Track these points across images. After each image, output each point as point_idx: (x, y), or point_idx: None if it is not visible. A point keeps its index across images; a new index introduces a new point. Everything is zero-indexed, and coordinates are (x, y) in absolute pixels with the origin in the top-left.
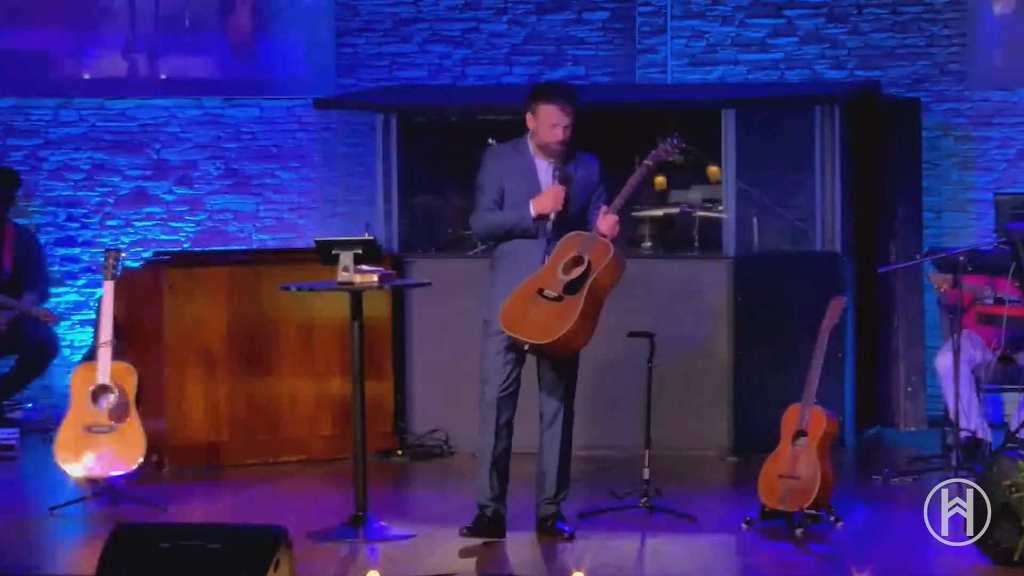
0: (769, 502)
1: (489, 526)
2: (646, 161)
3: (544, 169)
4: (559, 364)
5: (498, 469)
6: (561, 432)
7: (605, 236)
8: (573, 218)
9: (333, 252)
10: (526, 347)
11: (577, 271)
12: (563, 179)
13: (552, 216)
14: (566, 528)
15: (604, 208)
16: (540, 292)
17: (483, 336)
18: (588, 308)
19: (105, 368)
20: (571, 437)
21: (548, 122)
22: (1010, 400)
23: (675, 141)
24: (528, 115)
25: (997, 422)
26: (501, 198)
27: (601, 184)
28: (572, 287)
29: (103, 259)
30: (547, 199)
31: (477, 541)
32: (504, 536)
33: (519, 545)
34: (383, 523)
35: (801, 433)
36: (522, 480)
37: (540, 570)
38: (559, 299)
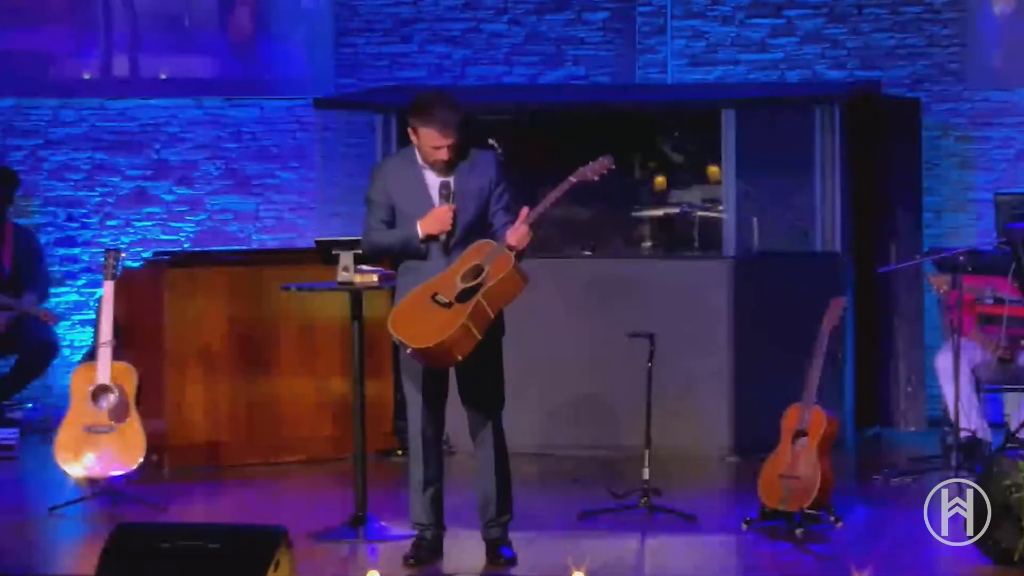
0: (769, 502)
1: (429, 550)
2: (570, 177)
3: (434, 181)
4: (481, 379)
5: (433, 494)
6: (494, 453)
7: (513, 248)
8: (471, 225)
9: (333, 252)
10: (408, 351)
11: (475, 282)
12: (449, 197)
13: (442, 237)
14: (507, 553)
15: (523, 214)
16: (433, 297)
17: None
18: (474, 318)
19: (105, 368)
20: (506, 456)
21: (429, 144)
22: (1010, 400)
23: (604, 161)
24: (410, 131)
25: (997, 422)
26: (391, 216)
27: (501, 183)
28: (464, 296)
29: (103, 259)
30: (433, 221)
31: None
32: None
33: (519, 545)
34: (383, 523)
35: (801, 433)
36: (519, 479)
37: (540, 570)
38: (448, 306)
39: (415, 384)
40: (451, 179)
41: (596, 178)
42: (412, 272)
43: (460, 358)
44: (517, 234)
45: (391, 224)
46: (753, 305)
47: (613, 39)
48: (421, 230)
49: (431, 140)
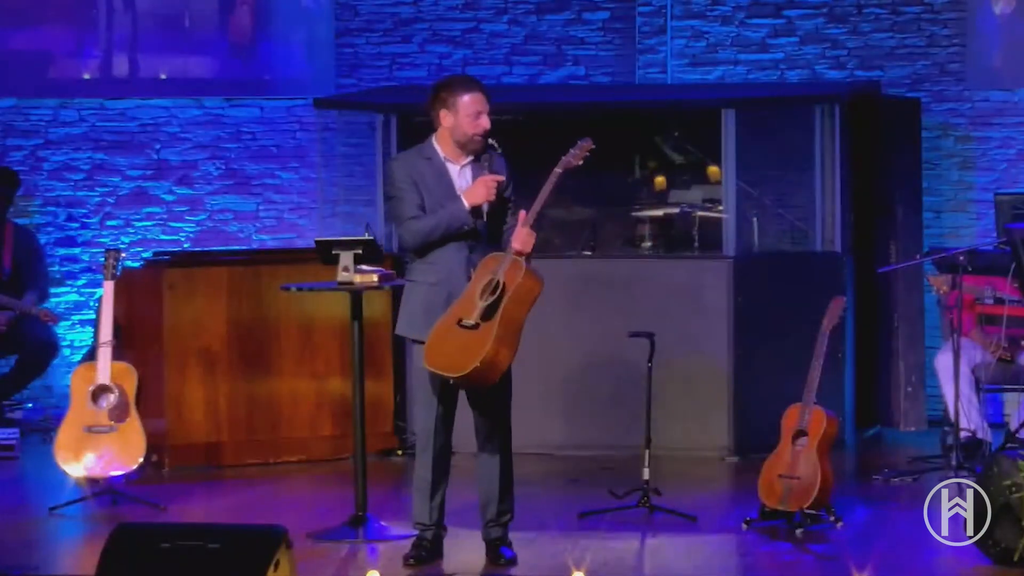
0: (769, 502)
1: (430, 550)
2: (556, 169)
3: (456, 173)
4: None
5: (438, 495)
6: (499, 454)
7: (520, 253)
8: (489, 224)
9: (333, 252)
10: (451, 381)
11: (493, 296)
12: (492, 169)
13: (485, 206)
14: (507, 553)
15: (521, 217)
16: (459, 323)
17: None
18: (504, 332)
19: (105, 368)
20: (510, 458)
21: (472, 111)
22: (1010, 400)
23: (585, 144)
24: (441, 113)
25: (997, 422)
26: (423, 204)
27: (510, 185)
28: (488, 313)
29: (103, 259)
30: (480, 188)
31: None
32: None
33: (519, 545)
34: (383, 523)
35: (801, 433)
36: (520, 479)
37: (540, 570)
38: (475, 327)
39: (428, 387)
40: (459, 167)
41: (580, 162)
42: (426, 271)
43: (504, 368)
44: (520, 238)
45: (425, 211)
46: (753, 305)
47: (613, 39)
48: (466, 201)
49: (476, 105)
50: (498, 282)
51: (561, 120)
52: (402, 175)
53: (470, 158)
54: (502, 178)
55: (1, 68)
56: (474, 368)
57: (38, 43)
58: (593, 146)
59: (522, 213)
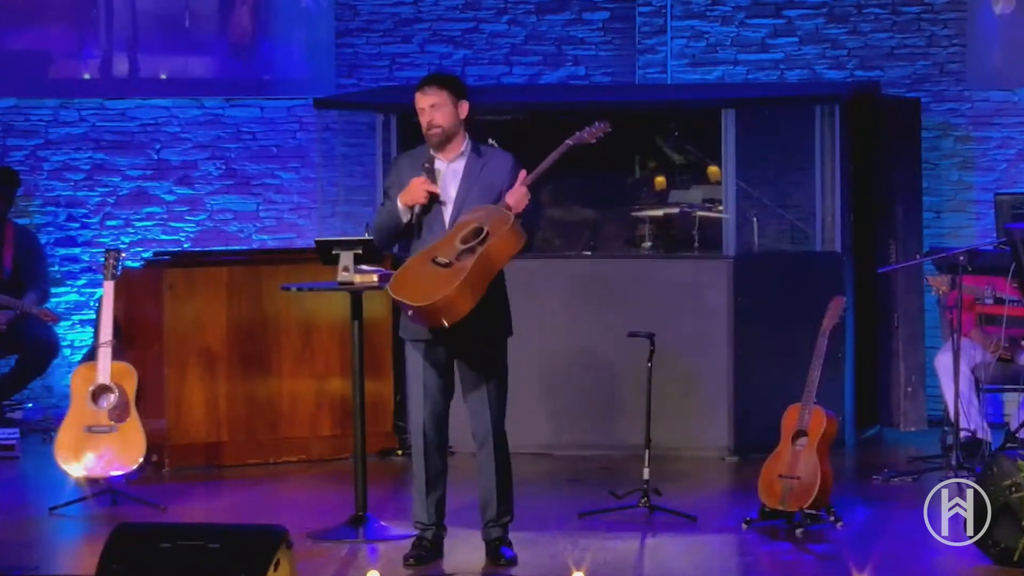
0: (769, 502)
1: (429, 550)
2: (567, 141)
3: (445, 167)
4: (484, 378)
5: (435, 494)
6: (495, 453)
7: (511, 208)
8: None
9: (333, 252)
10: (409, 312)
11: (475, 241)
12: (427, 172)
13: (416, 209)
14: (507, 553)
15: (521, 176)
16: (433, 259)
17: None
18: (474, 275)
19: (105, 368)
20: (508, 458)
21: (418, 110)
22: (1010, 400)
23: (601, 125)
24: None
25: (997, 422)
26: None
27: (514, 182)
28: (464, 256)
29: (103, 259)
30: (406, 191)
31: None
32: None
33: (519, 545)
34: (383, 523)
35: (801, 433)
36: (520, 479)
37: (540, 570)
38: (448, 265)
39: (420, 384)
40: (447, 162)
41: (593, 141)
42: None
43: (463, 314)
44: (516, 195)
45: None
46: (753, 305)
47: (613, 39)
48: (399, 200)
49: (417, 103)
50: (483, 229)
51: (561, 120)
52: (391, 176)
53: (460, 154)
54: (436, 189)
55: (1, 68)
56: (436, 300)
57: (38, 43)
58: (609, 129)
59: (523, 173)
